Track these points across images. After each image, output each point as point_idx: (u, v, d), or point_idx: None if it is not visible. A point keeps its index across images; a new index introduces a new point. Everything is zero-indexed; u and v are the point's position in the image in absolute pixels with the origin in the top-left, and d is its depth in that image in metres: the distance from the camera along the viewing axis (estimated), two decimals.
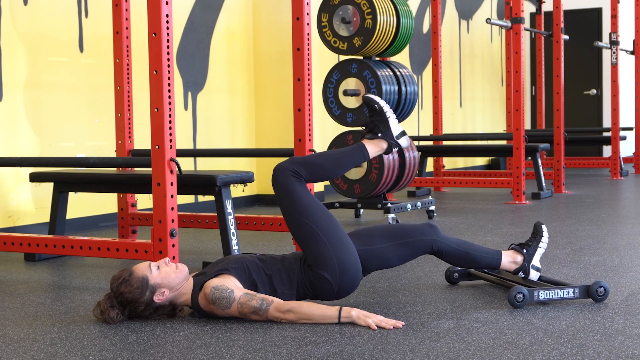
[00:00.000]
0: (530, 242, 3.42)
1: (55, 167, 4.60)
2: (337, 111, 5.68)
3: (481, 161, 11.47)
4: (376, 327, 2.85)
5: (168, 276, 3.05)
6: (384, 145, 3.36)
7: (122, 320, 3.04)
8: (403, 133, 3.38)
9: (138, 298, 3.01)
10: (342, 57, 7.56)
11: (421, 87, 10.05)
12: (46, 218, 5.44)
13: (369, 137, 3.37)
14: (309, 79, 4.37)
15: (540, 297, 3.14)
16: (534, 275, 3.38)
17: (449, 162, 10.41)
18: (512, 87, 7.59)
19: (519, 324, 2.91)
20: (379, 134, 3.35)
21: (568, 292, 3.16)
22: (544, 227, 3.46)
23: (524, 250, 3.39)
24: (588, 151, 12.60)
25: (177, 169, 3.65)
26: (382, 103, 3.39)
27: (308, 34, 4.37)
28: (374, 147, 3.35)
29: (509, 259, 3.37)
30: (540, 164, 7.61)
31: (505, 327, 2.87)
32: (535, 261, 3.39)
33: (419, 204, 5.92)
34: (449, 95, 10.59)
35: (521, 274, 3.38)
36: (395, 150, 3.39)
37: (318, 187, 7.43)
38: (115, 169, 4.85)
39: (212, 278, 3.04)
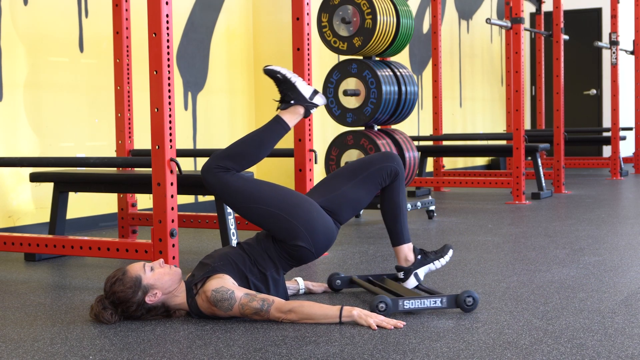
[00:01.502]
0: (430, 253, 3.43)
1: (55, 167, 4.60)
2: (337, 111, 5.68)
3: (481, 161, 11.47)
4: (376, 327, 2.86)
5: (161, 278, 3.04)
6: (300, 110, 3.34)
7: (118, 320, 3.03)
8: (315, 92, 3.36)
9: (130, 298, 3.00)
10: (342, 57, 7.56)
11: (421, 87, 10.05)
12: (46, 218, 5.44)
13: (283, 107, 3.35)
14: (308, 79, 4.37)
15: (405, 307, 3.05)
16: (412, 282, 3.38)
17: (449, 162, 10.41)
18: (512, 87, 7.59)
19: (519, 324, 2.91)
20: (292, 102, 3.34)
21: (435, 302, 3.07)
22: (450, 252, 3.46)
23: (419, 256, 3.40)
24: (588, 151, 12.60)
25: (177, 169, 3.65)
26: (284, 70, 3.36)
27: (308, 34, 4.37)
28: (291, 115, 3.34)
29: (406, 252, 3.39)
30: (540, 164, 7.61)
31: (505, 327, 2.87)
32: (421, 272, 3.39)
33: (419, 204, 5.92)
34: (449, 95, 10.59)
35: (401, 274, 3.38)
36: (313, 110, 3.36)
37: None
38: (115, 169, 4.85)
39: (208, 280, 3.03)
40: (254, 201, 3.16)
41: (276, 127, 3.30)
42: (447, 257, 3.44)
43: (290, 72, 3.36)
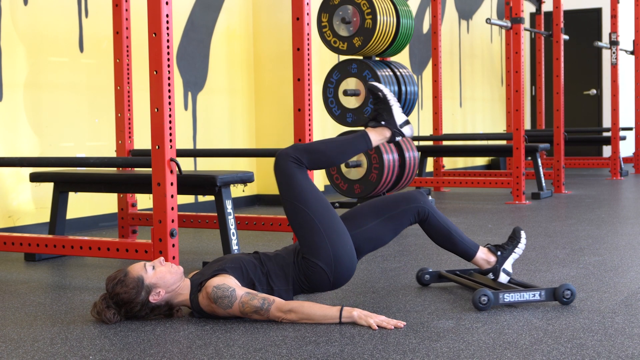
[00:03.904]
0: (506, 245, 3.42)
1: (55, 167, 4.60)
2: (337, 111, 5.68)
3: (481, 161, 11.47)
4: (377, 327, 2.86)
5: (163, 276, 3.04)
6: (387, 133, 3.34)
7: (119, 320, 3.04)
8: (407, 122, 3.36)
9: (134, 298, 3.00)
10: (342, 57, 7.56)
11: (421, 87, 10.05)
12: (46, 218, 5.44)
13: (372, 125, 3.35)
14: (309, 79, 4.37)
15: (505, 300, 3.11)
16: (503, 278, 3.37)
17: (449, 162, 10.41)
18: (512, 87, 7.59)
19: (519, 324, 2.91)
20: (383, 122, 3.35)
21: (534, 295, 3.13)
22: (522, 233, 3.45)
23: (498, 252, 3.39)
24: (588, 151, 12.60)
25: (177, 169, 3.65)
26: (386, 91, 3.37)
27: (308, 34, 4.37)
28: (377, 135, 3.33)
29: (483, 256, 3.37)
30: (540, 164, 7.61)
31: (505, 327, 2.87)
32: (507, 265, 3.38)
33: None
34: (449, 95, 10.59)
35: (491, 275, 3.38)
36: (399, 139, 3.38)
37: (317, 186, 7.43)
38: (115, 169, 4.85)
39: (212, 278, 3.04)
40: (304, 204, 3.15)
41: (360, 141, 3.30)
42: (523, 241, 3.43)
43: (392, 94, 3.38)
